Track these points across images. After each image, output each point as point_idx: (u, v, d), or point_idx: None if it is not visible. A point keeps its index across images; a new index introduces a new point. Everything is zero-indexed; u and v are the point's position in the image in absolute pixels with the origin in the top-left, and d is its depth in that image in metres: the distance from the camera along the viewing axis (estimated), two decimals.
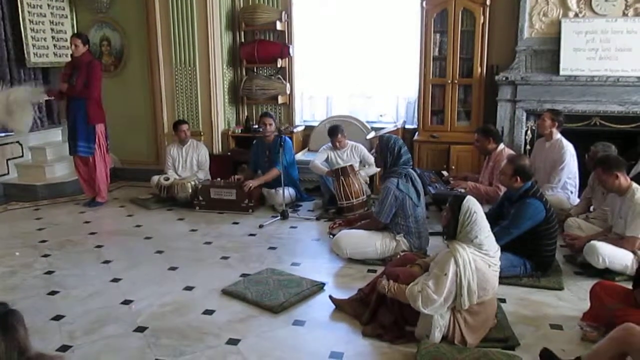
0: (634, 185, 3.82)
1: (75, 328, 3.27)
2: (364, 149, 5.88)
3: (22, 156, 6.76)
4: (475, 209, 2.96)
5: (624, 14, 5.58)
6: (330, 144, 5.89)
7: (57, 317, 3.41)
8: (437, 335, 2.94)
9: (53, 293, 3.78)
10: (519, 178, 3.84)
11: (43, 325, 3.29)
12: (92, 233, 5.13)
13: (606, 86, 5.56)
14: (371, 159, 5.74)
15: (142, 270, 4.19)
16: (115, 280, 4.00)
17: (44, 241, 4.90)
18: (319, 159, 5.80)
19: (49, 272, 4.16)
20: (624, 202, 3.83)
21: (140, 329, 3.25)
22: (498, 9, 6.00)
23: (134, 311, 3.48)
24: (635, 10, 5.54)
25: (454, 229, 2.98)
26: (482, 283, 2.90)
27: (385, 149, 4.26)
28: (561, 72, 5.64)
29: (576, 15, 5.69)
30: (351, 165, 5.32)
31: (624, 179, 3.83)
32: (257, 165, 6.04)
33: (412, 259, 3.45)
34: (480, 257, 2.92)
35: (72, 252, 4.61)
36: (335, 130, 5.82)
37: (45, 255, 4.53)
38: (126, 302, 3.61)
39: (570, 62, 5.63)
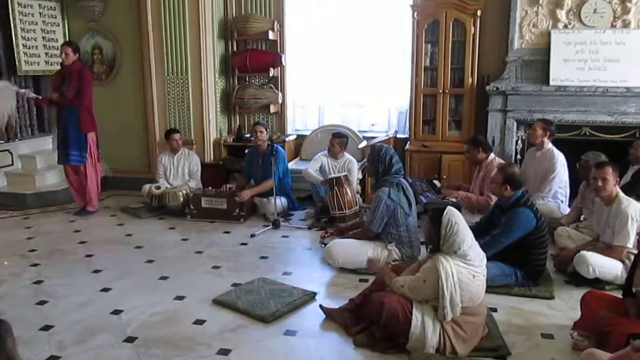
0: (621, 194, 3.86)
1: (64, 338, 3.24)
2: (355, 166, 5.85)
3: (12, 165, 6.71)
4: (455, 220, 2.96)
5: (613, 26, 5.65)
6: (326, 151, 5.90)
7: (46, 327, 3.37)
8: (432, 352, 2.95)
9: (42, 303, 3.75)
10: (508, 186, 3.86)
11: (32, 335, 3.26)
12: (82, 242, 5.09)
13: (595, 96, 5.62)
14: (354, 177, 5.74)
15: (132, 279, 4.16)
16: (105, 289, 3.97)
17: (33, 250, 4.86)
18: (312, 166, 5.80)
19: (38, 282, 4.12)
20: (611, 211, 3.86)
21: (130, 339, 3.22)
22: (489, 20, 6.06)
23: (124, 321, 3.46)
24: (623, 22, 5.62)
25: (437, 242, 2.99)
26: (466, 294, 2.90)
27: (377, 158, 4.28)
28: (551, 83, 5.70)
29: (565, 26, 5.77)
30: (346, 176, 5.30)
31: (616, 187, 3.87)
32: (250, 174, 6.04)
33: (402, 269, 3.43)
34: (465, 268, 2.91)
35: (62, 262, 4.57)
36: (337, 134, 5.85)
37: (35, 265, 4.49)
38: (116, 312, 3.58)
39: (560, 73, 5.69)
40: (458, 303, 2.88)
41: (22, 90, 5.95)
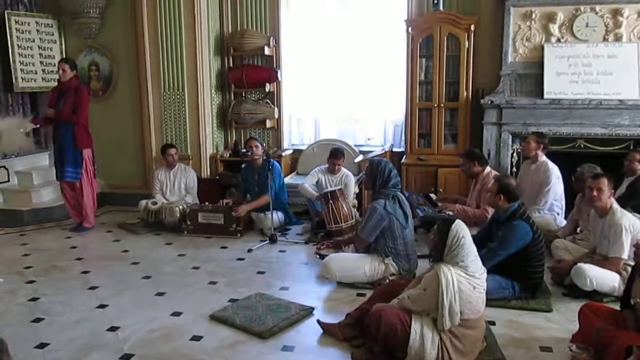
0: (615, 205, 3.88)
1: (60, 356, 3.21)
2: (352, 181, 5.86)
3: (8, 181, 6.69)
4: (463, 234, 2.97)
5: (605, 39, 5.72)
6: (323, 167, 5.90)
7: (42, 345, 3.34)
8: None
9: (38, 320, 3.72)
10: (502, 196, 3.87)
11: (27, 354, 3.23)
12: (79, 259, 5.07)
13: (589, 109, 5.66)
14: (351, 191, 5.75)
15: (129, 296, 4.14)
16: (102, 306, 3.94)
17: (29, 267, 4.83)
18: (309, 181, 5.81)
19: (34, 299, 4.09)
20: (605, 222, 3.87)
21: (127, 356, 3.20)
22: (482, 34, 6.12)
23: (121, 338, 3.43)
24: (615, 35, 5.69)
25: (441, 252, 2.99)
26: (465, 304, 2.90)
27: (376, 171, 4.29)
28: (545, 96, 5.74)
29: (558, 40, 5.83)
30: (340, 189, 5.30)
31: (611, 199, 3.89)
32: (246, 190, 6.04)
33: (401, 286, 3.42)
34: (466, 279, 2.91)
35: (58, 278, 4.54)
36: (339, 153, 5.84)
37: (31, 282, 4.46)
38: (113, 329, 3.56)
39: (554, 86, 5.74)
40: (457, 312, 2.87)
41: (27, 128, 5.89)
